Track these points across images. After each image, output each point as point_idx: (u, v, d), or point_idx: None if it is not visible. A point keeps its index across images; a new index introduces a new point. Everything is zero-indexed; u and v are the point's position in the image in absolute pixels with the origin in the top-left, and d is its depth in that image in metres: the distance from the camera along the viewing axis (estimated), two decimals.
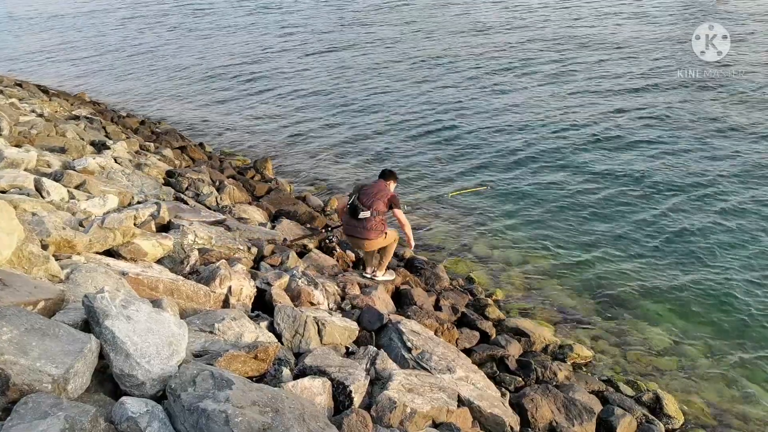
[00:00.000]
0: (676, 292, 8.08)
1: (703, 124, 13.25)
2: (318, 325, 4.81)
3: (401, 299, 6.91)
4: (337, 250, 8.02)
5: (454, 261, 9.11)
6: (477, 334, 6.56)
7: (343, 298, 6.18)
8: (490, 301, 7.65)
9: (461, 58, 19.97)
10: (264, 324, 4.65)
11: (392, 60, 20.44)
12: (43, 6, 36.78)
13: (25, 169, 6.91)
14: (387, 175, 7.35)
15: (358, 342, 5.17)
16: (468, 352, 6.14)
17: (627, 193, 10.67)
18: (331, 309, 5.77)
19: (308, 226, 8.30)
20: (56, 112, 14.11)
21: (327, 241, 8.00)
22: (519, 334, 6.86)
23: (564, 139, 13.13)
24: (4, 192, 5.67)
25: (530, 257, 9.14)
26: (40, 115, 12.10)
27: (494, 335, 6.73)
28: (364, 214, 6.90)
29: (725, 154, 11.79)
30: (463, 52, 20.62)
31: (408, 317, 6.07)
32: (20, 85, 17.98)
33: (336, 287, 6.32)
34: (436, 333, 5.95)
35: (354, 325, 5.17)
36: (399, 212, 7.09)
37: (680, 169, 11.36)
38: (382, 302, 6.36)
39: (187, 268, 5.46)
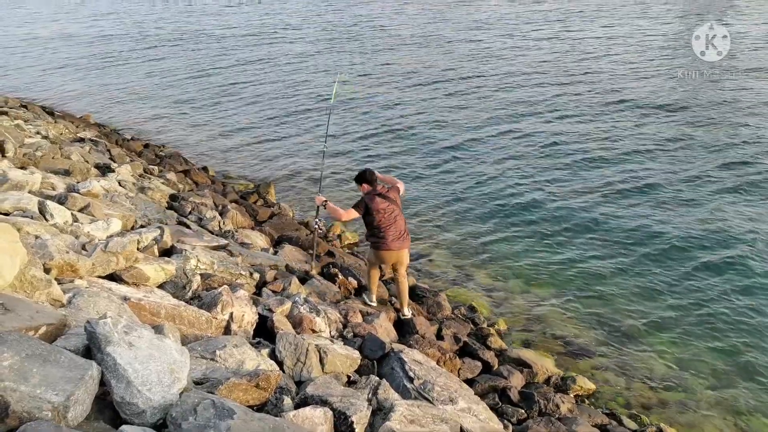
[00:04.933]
0: (680, 323, 8.05)
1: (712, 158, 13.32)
2: (320, 353, 4.76)
3: (403, 328, 6.87)
4: (339, 276, 7.99)
5: (456, 289, 9.08)
6: (479, 364, 6.51)
7: (345, 326, 6.14)
8: (492, 330, 7.60)
9: (466, 79, 20.15)
10: (266, 351, 4.60)
11: (400, 87, 20.61)
12: (49, 29, 37.26)
13: (30, 191, 6.92)
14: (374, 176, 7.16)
15: (359, 371, 5.12)
16: (470, 382, 6.09)
17: (630, 223, 10.66)
18: (332, 336, 5.72)
19: (310, 252, 8.27)
20: (61, 134, 14.20)
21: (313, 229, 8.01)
22: (521, 364, 6.81)
23: (565, 169, 13.18)
24: (7, 214, 5.67)
25: (532, 287, 9.11)
26: (45, 137, 12.17)
27: (496, 366, 6.68)
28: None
29: (731, 185, 11.85)
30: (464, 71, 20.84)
31: (410, 346, 6.02)
32: (25, 107, 18.10)
33: (338, 314, 6.28)
34: (438, 363, 5.89)
35: (356, 354, 5.12)
36: None
37: (683, 201, 11.37)
38: (384, 330, 6.32)
39: (189, 294, 5.44)
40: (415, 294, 8.28)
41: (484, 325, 7.85)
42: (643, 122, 15.59)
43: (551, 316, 8.41)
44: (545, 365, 6.97)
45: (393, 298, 7.84)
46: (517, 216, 11.25)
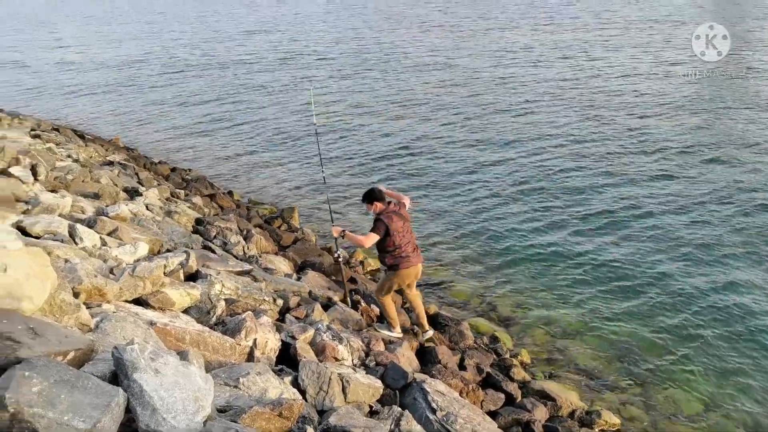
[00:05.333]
0: (710, 358, 7.86)
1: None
2: (342, 383, 4.75)
3: (425, 357, 6.81)
4: (362, 304, 7.98)
5: (478, 318, 9.00)
6: (502, 396, 6.42)
7: (367, 354, 6.11)
8: (515, 361, 7.50)
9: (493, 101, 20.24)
10: (288, 379, 4.60)
11: (419, 111, 20.75)
12: (80, 53, 38.32)
13: (60, 215, 7.06)
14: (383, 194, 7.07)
15: (382, 400, 5.08)
16: (493, 414, 6.00)
17: (655, 252, 10.52)
18: (355, 365, 5.70)
19: (333, 278, 8.28)
20: (91, 157, 14.49)
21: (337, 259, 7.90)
22: (545, 397, 6.70)
23: (589, 200, 13.07)
24: (38, 237, 5.78)
25: (555, 317, 8.99)
26: (76, 161, 12.43)
27: (520, 398, 6.57)
28: None
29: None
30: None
31: (432, 376, 5.97)
32: (57, 130, 18.52)
33: (360, 342, 6.26)
34: (460, 394, 5.83)
35: (378, 383, 5.10)
36: None
37: (714, 236, 11.16)
38: (407, 360, 6.27)
39: (213, 319, 5.47)
40: (437, 322, 8.23)
41: (507, 356, 7.75)
42: (672, 159, 15.26)
43: (575, 347, 8.28)
44: (570, 398, 6.85)
45: (415, 326, 7.80)
46: (540, 246, 11.16)
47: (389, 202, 6.96)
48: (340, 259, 7.87)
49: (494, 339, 8.23)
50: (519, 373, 7.19)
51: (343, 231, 6.87)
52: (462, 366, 6.87)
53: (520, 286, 9.88)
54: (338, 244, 7.64)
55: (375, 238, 6.70)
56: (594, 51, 29.99)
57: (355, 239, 6.87)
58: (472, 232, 11.85)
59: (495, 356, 7.62)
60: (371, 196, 6.89)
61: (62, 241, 5.77)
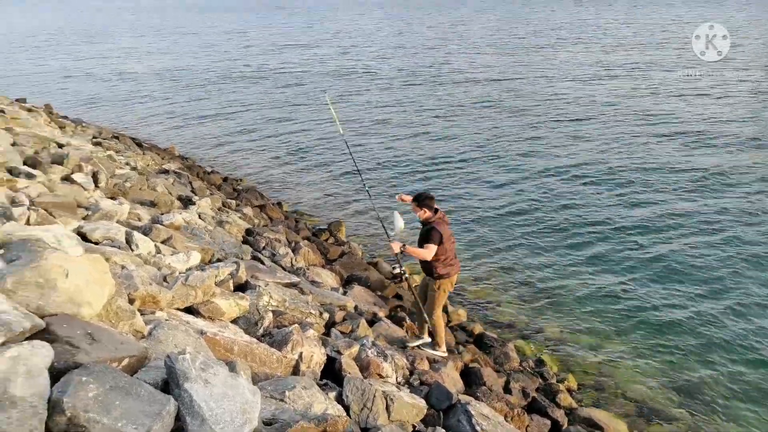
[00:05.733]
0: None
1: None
2: (386, 401, 4.72)
3: (470, 378, 6.72)
4: (407, 321, 7.94)
5: (524, 340, 8.85)
6: (548, 422, 6.27)
7: (411, 373, 6.07)
8: (561, 387, 7.34)
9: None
10: (333, 395, 4.60)
11: (465, 121, 20.69)
12: (142, 63, 39.65)
13: (117, 221, 7.28)
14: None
15: (425, 421, 5.03)
16: None
17: (713, 278, 10.18)
18: (399, 383, 5.67)
19: (379, 294, 8.27)
20: (148, 165, 14.92)
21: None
22: (592, 426, 6.52)
23: (640, 220, 12.76)
24: (97, 243, 5.97)
25: (604, 344, 8.77)
26: (134, 169, 12.82)
27: (566, 425, 6.42)
28: None
29: None
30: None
31: (477, 398, 5.88)
32: (117, 138, 19.16)
33: (405, 360, 6.23)
34: (505, 418, 5.72)
35: (422, 403, 5.05)
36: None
37: None
38: (451, 380, 6.21)
39: (261, 330, 5.53)
40: (482, 343, 8.13)
41: (553, 381, 7.59)
42: (744, 199, 14.62)
43: (624, 374, 8.06)
44: (618, 428, 6.66)
45: (460, 345, 7.72)
46: (589, 266, 10.94)
47: (436, 209, 6.80)
48: (405, 276, 7.52)
49: (540, 362, 8.09)
50: (565, 399, 7.03)
51: (403, 245, 6.63)
52: (507, 389, 6.75)
53: (568, 309, 9.69)
54: (400, 259, 7.35)
55: (434, 248, 6.51)
56: (650, 71, 29.40)
57: (416, 253, 6.62)
58: (521, 252, 11.69)
59: (541, 380, 7.47)
60: (425, 200, 6.65)
61: (119, 248, 5.94)
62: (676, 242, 11.66)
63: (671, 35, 42.54)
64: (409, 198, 6.90)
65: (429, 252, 6.50)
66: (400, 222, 6.83)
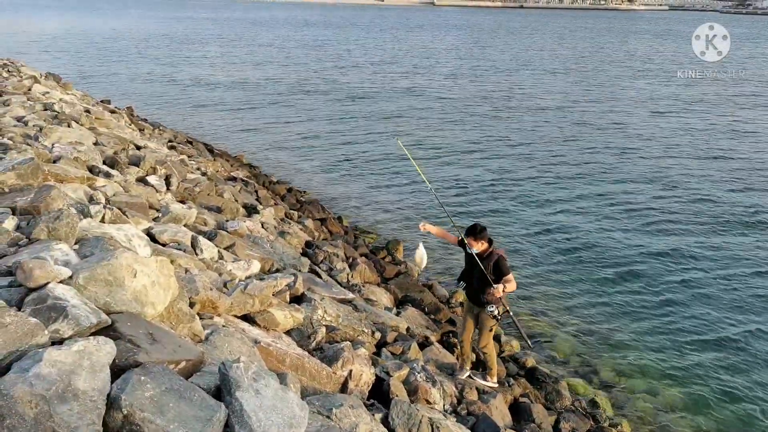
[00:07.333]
0: None
1: None
2: (432, 428, 4.68)
3: (519, 413, 6.58)
4: (458, 347, 7.83)
5: (577, 379, 8.58)
6: None
7: (459, 401, 6.00)
8: (615, 431, 7.07)
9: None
10: (379, 416, 4.59)
11: (518, 150, 20.45)
12: (223, 71, 41.05)
13: (185, 225, 7.52)
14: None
15: None
16: None
17: None
18: (446, 411, 5.60)
19: (432, 317, 8.22)
20: (217, 171, 15.39)
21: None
22: None
23: (705, 266, 12.25)
24: (164, 245, 6.18)
25: (661, 389, 8.43)
26: (204, 174, 13.24)
27: None
28: None
29: None
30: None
31: None
32: (191, 143, 19.85)
33: (454, 388, 6.16)
34: None
35: None
36: None
37: None
38: (499, 413, 6.09)
39: (313, 344, 5.59)
40: (533, 377, 7.95)
41: (606, 425, 7.32)
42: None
43: (681, 425, 7.71)
44: None
45: (511, 378, 7.56)
46: (647, 307, 10.57)
47: (490, 240, 6.67)
48: (499, 318, 6.88)
49: (593, 404, 7.82)
50: None
51: (504, 287, 6.35)
52: (557, 428, 6.58)
53: (625, 350, 9.36)
54: (506, 302, 6.79)
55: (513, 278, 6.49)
56: (732, 107, 28.32)
57: (510, 290, 6.46)
58: (582, 288, 11.40)
59: (593, 423, 7.22)
60: (483, 231, 6.47)
61: (185, 251, 6.13)
62: (753, 285, 11.14)
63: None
64: (434, 228, 6.78)
65: (515, 283, 6.49)
66: (424, 256, 6.75)
